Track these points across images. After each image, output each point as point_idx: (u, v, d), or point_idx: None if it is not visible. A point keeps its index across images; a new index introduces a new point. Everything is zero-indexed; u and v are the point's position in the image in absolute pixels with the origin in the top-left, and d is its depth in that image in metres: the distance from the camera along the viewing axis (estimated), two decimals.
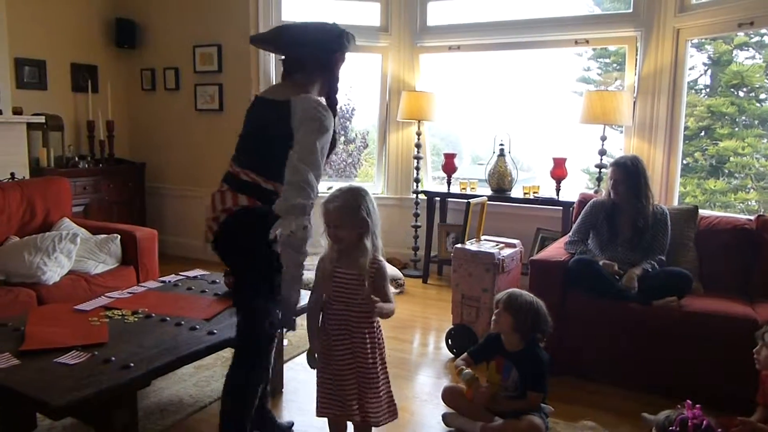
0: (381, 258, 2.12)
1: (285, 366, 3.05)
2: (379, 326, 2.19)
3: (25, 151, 4.41)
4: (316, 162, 1.98)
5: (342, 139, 6.26)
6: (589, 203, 3.48)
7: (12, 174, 4.11)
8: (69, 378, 1.93)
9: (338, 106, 2.27)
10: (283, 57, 2.26)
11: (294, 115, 2.01)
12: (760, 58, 5.53)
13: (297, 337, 3.59)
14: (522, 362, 2.47)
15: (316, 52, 2.16)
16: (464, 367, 2.60)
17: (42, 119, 4.62)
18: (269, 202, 2.00)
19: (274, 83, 5.25)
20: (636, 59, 4.42)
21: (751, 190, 5.47)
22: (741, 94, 5.67)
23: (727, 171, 5.63)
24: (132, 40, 5.63)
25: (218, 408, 2.64)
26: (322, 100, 2.17)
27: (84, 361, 2.07)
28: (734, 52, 5.60)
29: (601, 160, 4.41)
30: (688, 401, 2.17)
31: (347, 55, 2.23)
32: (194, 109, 5.53)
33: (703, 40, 4.97)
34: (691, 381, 2.85)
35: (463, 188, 4.93)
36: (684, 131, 4.43)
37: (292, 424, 2.60)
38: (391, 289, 2.21)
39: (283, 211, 1.93)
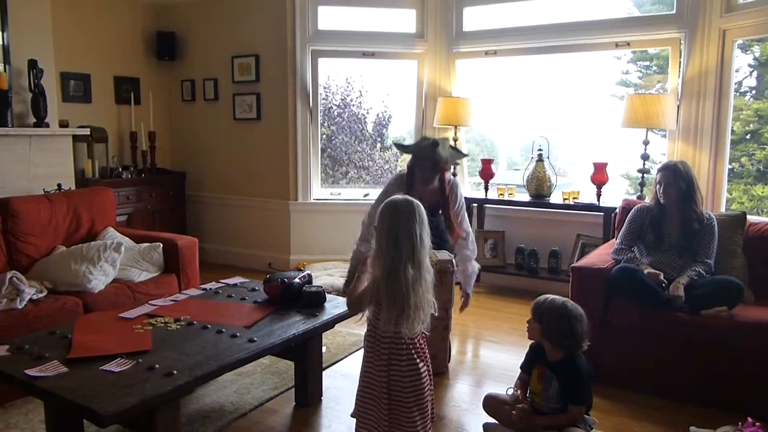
0: None
1: (324, 373, 3.05)
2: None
3: (71, 163, 4.53)
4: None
5: (378, 146, 6.28)
6: (633, 209, 3.40)
7: (59, 185, 4.22)
8: (115, 386, 1.97)
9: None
10: None
11: None
12: None
13: (335, 344, 3.59)
14: (561, 372, 2.41)
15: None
16: (513, 387, 2.57)
17: (87, 131, 4.75)
18: None
19: (310, 91, 5.31)
20: (680, 61, 4.31)
21: None
22: None
23: None
24: (172, 53, 5.76)
25: (259, 416, 2.67)
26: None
27: (129, 369, 2.10)
28: None
29: (644, 164, 4.31)
30: (750, 419, 2.09)
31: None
32: (233, 118, 5.62)
33: (748, 41, 4.81)
34: (742, 394, 2.75)
35: (501, 194, 4.87)
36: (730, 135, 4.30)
37: None
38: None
39: None
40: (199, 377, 2.11)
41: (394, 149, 6.55)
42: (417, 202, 2.05)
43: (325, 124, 5.92)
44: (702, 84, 4.17)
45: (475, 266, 3.39)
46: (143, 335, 2.43)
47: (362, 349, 2.16)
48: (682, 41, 4.29)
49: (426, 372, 2.09)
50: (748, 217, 3.40)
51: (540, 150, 4.65)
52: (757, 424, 2.04)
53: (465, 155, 3.80)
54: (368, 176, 6.10)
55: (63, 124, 4.52)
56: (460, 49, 5.16)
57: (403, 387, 2.03)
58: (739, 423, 2.11)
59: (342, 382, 3.14)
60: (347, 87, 6.05)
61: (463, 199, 3.36)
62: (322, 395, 2.95)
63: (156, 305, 2.83)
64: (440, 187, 3.20)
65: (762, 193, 5.35)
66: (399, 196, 2.09)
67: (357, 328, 3.68)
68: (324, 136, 5.86)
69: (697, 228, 3.15)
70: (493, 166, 4.92)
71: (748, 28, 4.00)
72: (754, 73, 5.75)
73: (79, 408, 1.89)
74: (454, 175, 5.12)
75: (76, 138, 4.68)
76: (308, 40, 5.26)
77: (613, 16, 4.66)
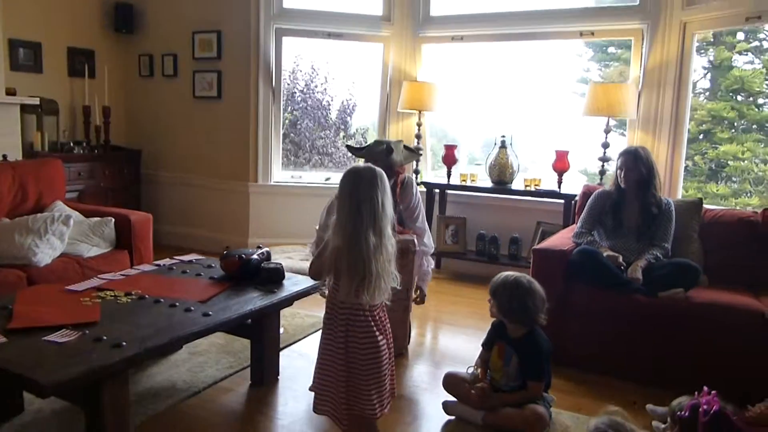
0: None
1: (281, 354, 2.98)
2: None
3: (18, 134, 4.31)
4: None
5: (342, 134, 6.20)
6: (594, 194, 3.42)
7: (4, 156, 4.02)
8: (58, 356, 1.87)
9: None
10: None
11: None
12: (759, 63, 5.50)
13: (293, 326, 3.52)
14: (521, 349, 2.42)
15: None
16: (474, 366, 2.55)
17: (36, 101, 4.53)
18: None
19: (273, 71, 5.19)
20: (641, 52, 4.37)
21: (752, 195, 5.44)
22: (740, 98, 5.65)
23: (726, 175, 5.60)
24: (130, 25, 5.55)
25: (213, 394, 2.58)
26: None
27: (74, 340, 2.00)
28: (733, 57, 5.58)
29: (605, 153, 4.36)
30: (705, 388, 2.12)
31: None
32: (192, 96, 5.45)
33: (704, 44, 4.95)
34: (697, 373, 2.79)
35: (464, 180, 4.87)
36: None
37: None
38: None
39: None
40: (150, 349, 2.02)
41: (358, 137, 6.50)
42: (380, 170, 2.00)
43: (289, 109, 5.81)
44: (662, 75, 4.24)
45: (431, 263, 3.33)
46: (91, 307, 2.32)
47: (321, 329, 2.11)
48: (644, 32, 4.35)
49: (385, 345, 2.05)
50: (704, 204, 3.47)
51: (503, 136, 4.66)
52: (713, 392, 2.08)
53: (420, 155, 3.80)
54: (331, 163, 6.01)
55: (10, 92, 4.29)
56: (427, 33, 5.12)
57: (360, 358, 1.99)
58: (696, 392, 2.14)
59: (299, 361, 3.07)
60: (312, 73, 5.94)
61: (420, 198, 3.30)
62: (278, 375, 2.88)
63: (106, 279, 2.72)
64: (392, 188, 3.19)
65: (716, 190, 5.51)
66: (362, 164, 2.05)
67: (316, 310, 3.62)
68: (287, 122, 5.75)
69: (655, 213, 3.19)
70: (456, 152, 4.91)
71: (708, 21, 4.08)
72: (708, 75, 5.91)
73: (18, 378, 1.78)
74: (416, 172, 5.09)
75: (24, 109, 4.46)
76: (273, 17, 5.13)
77: (579, 6, 4.69)
